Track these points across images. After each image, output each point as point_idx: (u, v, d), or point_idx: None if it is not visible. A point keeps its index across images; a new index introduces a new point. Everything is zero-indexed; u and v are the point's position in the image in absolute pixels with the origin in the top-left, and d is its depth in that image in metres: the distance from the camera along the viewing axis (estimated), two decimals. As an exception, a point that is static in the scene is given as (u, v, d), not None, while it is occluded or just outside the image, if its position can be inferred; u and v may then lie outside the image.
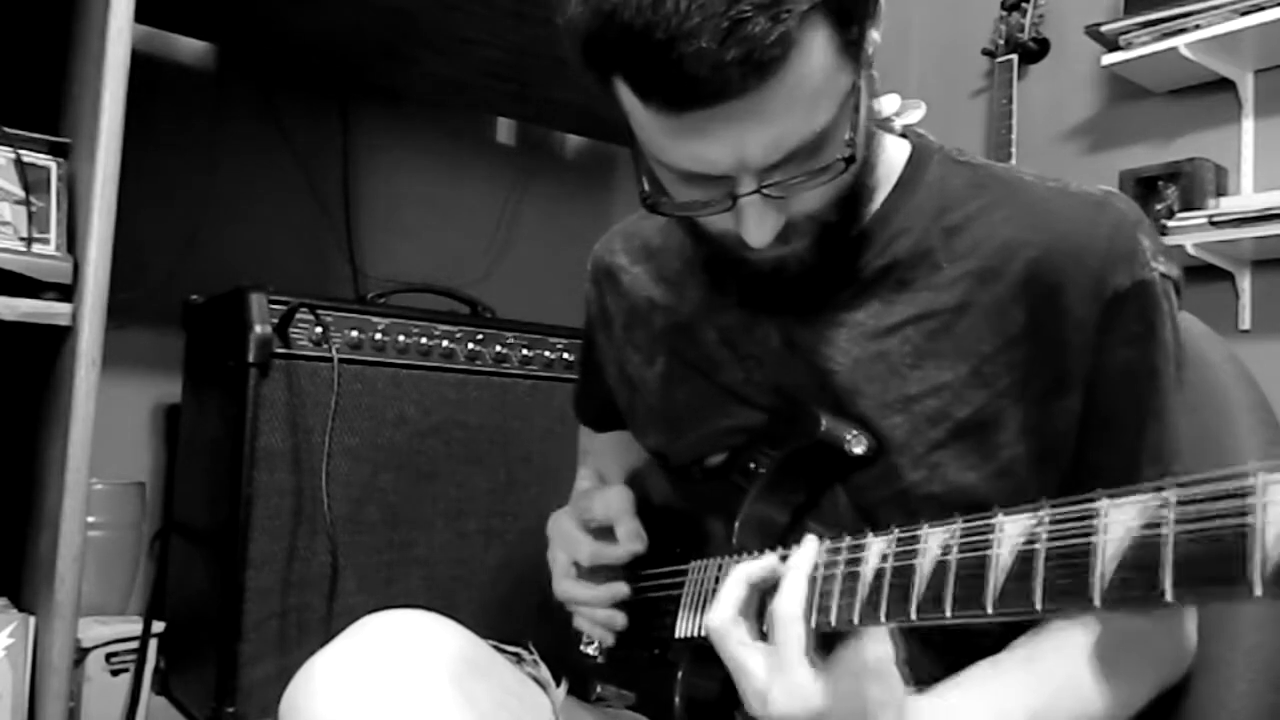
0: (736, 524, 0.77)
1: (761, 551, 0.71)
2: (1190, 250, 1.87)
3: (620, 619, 0.87)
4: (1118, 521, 0.46)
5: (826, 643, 0.63)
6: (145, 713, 1.62)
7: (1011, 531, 0.52)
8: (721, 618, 0.66)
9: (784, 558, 0.66)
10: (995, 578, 0.51)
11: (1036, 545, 0.50)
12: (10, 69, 1.64)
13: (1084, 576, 0.47)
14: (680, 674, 0.78)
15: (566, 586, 0.90)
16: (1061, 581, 0.48)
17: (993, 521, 0.53)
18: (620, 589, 0.87)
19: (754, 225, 0.68)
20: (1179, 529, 0.43)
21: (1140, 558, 0.45)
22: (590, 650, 0.92)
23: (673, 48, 0.59)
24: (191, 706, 1.61)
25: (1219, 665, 0.77)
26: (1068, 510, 0.49)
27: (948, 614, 0.54)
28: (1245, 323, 1.95)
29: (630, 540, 0.85)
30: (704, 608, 0.76)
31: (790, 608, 0.62)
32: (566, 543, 0.90)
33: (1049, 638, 0.73)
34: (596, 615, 0.88)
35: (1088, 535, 0.48)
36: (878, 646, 0.61)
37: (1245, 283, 1.95)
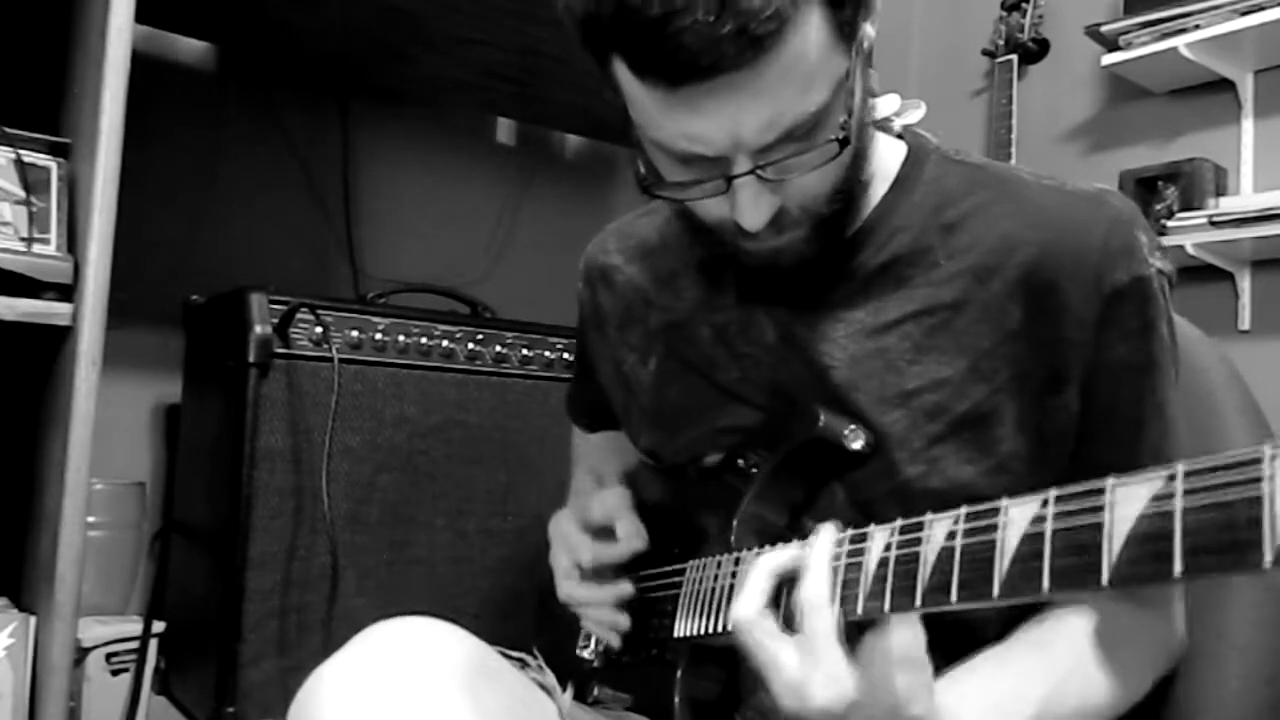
0: (734, 523, 0.77)
1: (761, 549, 0.71)
2: (1190, 250, 1.86)
3: (625, 620, 0.87)
4: (1125, 499, 0.46)
5: (850, 633, 0.62)
6: (145, 713, 1.62)
7: (1018, 516, 0.51)
8: (748, 610, 0.64)
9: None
10: (1001, 562, 0.51)
11: (1044, 528, 0.49)
12: (10, 69, 1.64)
13: (1094, 555, 0.46)
14: (679, 674, 0.78)
15: (569, 589, 0.89)
16: (1070, 561, 0.48)
17: (998, 506, 0.53)
18: (625, 589, 0.87)
19: (749, 207, 0.68)
20: (1188, 501, 0.43)
21: (1150, 532, 0.44)
22: (586, 655, 0.92)
23: (668, 22, 0.60)
24: (191, 706, 1.61)
25: (1213, 660, 0.78)
26: (1074, 492, 0.49)
27: (954, 600, 0.54)
28: (1245, 323, 1.95)
29: (631, 538, 0.85)
30: (703, 607, 0.76)
31: (817, 594, 0.61)
32: (567, 545, 0.90)
33: (1054, 625, 0.73)
34: (602, 616, 0.87)
35: (1096, 513, 0.47)
36: (906, 632, 0.59)
37: (1245, 283, 1.95)
